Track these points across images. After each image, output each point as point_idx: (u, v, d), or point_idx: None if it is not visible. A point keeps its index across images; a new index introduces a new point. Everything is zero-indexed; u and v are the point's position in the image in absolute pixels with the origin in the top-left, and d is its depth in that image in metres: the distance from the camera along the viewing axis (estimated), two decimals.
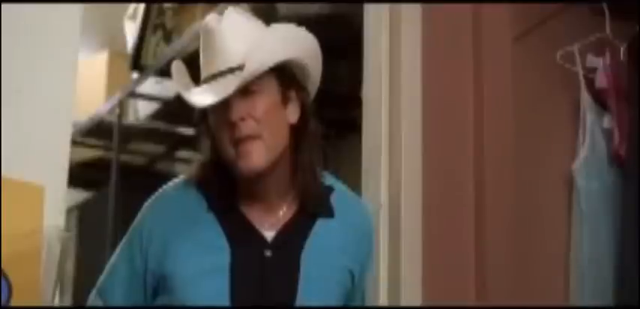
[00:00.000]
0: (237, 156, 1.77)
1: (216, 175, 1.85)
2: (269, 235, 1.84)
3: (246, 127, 1.76)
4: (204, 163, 1.88)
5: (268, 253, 1.82)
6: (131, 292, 1.87)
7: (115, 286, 1.89)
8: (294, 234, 1.85)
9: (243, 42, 1.79)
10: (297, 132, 1.86)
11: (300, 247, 1.84)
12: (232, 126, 1.77)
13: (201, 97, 1.79)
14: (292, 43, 1.85)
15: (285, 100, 1.83)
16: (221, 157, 1.82)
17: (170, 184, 1.95)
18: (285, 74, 1.83)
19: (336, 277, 1.88)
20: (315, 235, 1.86)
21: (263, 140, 1.77)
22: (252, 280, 1.80)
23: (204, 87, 1.81)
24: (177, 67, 1.89)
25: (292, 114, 1.85)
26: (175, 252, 1.82)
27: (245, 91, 1.76)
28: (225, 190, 1.85)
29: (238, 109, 1.76)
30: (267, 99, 1.79)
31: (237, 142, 1.77)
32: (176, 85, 1.87)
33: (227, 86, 1.75)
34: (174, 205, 1.89)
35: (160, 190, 1.94)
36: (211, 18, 1.84)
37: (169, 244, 1.83)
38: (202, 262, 1.81)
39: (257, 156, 1.77)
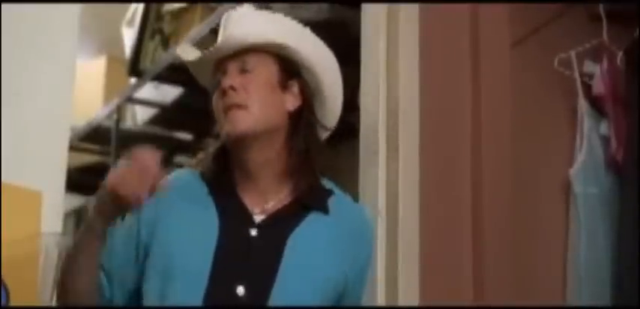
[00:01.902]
0: (225, 119, 1.85)
1: (219, 165, 1.92)
2: (259, 217, 1.88)
3: (236, 96, 1.84)
4: (209, 153, 1.95)
5: (254, 233, 1.86)
6: (125, 252, 1.89)
7: (112, 249, 1.89)
8: (284, 220, 1.88)
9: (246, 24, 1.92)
10: (294, 121, 1.91)
11: (287, 234, 1.87)
12: (224, 94, 1.85)
13: (187, 54, 1.94)
14: (288, 32, 1.93)
15: (283, 86, 1.89)
16: (220, 132, 1.89)
17: (179, 170, 2.01)
18: (287, 62, 1.90)
19: (323, 271, 1.88)
20: (305, 226, 1.89)
21: (249, 110, 1.84)
22: (235, 255, 1.83)
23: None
24: (185, 46, 2.02)
25: (291, 102, 1.91)
26: (170, 219, 1.88)
27: (242, 69, 1.86)
28: (226, 178, 1.90)
29: (231, 79, 1.85)
30: (261, 77, 1.87)
31: (227, 110, 1.84)
32: (180, 53, 1.97)
33: (211, 52, 1.90)
34: (177, 184, 1.93)
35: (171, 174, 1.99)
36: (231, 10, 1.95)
37: (166, 212, 1.88)
38: (192, 231, 1.86)
39: (242, 122, 1.83)
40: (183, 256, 1.83)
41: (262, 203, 1.89)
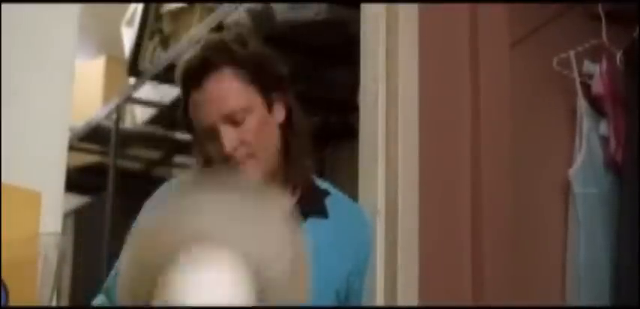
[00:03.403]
0: None
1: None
2: None
3: (240, 154, 1.80)
4: (199, 170, 1.91)
5: None
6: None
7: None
8: None
9: None
10: (284, 128, 1.88)
11: None
12: (228, 156, 1.80)
13: None
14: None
15: (270, 107, 1.85)
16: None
17: (169, 182, 1.98)
18: (263, 80, 1.83)
19: (327, 276, 1.88)
20: (305, 232, 1.87)
21: (256, 157, 1.81)
22: None
23: None
24: None
25: (278, 114, 1.87)
26: None
27: (233, 121, 1.79)
28: None
29: (231, 141, 1.79)
30: (254, 120, 1.81)
31: (235, 166, 1.80)
32: None
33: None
34: None
35: (161, 188, 1.97)
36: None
37: None
38: None
39: (253, 172, 1.81)
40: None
41: None
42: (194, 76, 1.81)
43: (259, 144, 1.81)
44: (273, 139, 1.85)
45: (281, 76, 1.87)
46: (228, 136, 1.79)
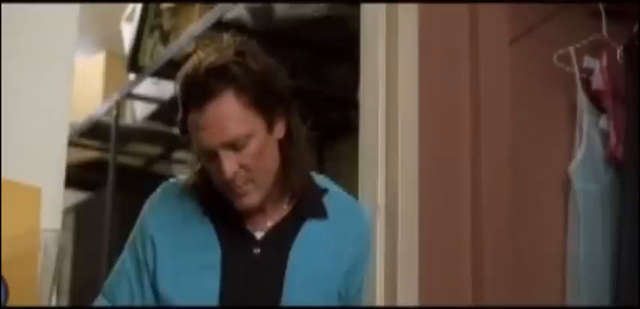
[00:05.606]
0: (233, 196, 1.80)
1: (211, 182, 1.85)
2: (259, 234, 1.86)
3: (240, 178, 1.78)
4: (199, 170, 1.89)
5: (257, 251, 1.84)
6: (135, 289, 1.89)
7: (121, 284, 1.90)
8: (284, 234, 1.86)
9: None
10: (285, 143, 1.85)
11: (288, 247, 1.85)
12: (227, 183, 1.78)
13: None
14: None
15: (271, 127, 1.81)
16: (228, 199, 1.84)
17: (170, 184, 1.96)
18: (265, 101, 1.79)
19: (325, 277, 1.88)
20: (304, 236, 1.87)
21: (255, 182, 1.79)
22: (240, 277, 1.82)
23: None
24: None
25: (279, 132, 1.84)
26: (170, 252, 1.86)
27: (234, 147, 1.76)
28: (220, 195, 1.85)
29: (230, 166, 1.76)
30: (255, 145, 1.78)
31: (233, 189, 1.79)
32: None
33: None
34: (173, 208, 1.91)
35: (160, 190, 1.95)
36: None
37: (166, 244, 1.86)
38: (194, 260, 1.84)
39: (252, 196, 1.80)
40: (190, 287, 1.83)
41: (261, 218, 1.87)
42: (195, 98, 1.76)
43: (259, 168, 1.78)
44: (273, 160, 1.82)
45: (283, 92, 1.83)
46: (229, 163, 1.76)
